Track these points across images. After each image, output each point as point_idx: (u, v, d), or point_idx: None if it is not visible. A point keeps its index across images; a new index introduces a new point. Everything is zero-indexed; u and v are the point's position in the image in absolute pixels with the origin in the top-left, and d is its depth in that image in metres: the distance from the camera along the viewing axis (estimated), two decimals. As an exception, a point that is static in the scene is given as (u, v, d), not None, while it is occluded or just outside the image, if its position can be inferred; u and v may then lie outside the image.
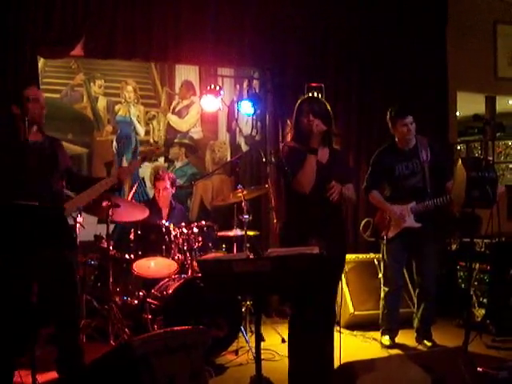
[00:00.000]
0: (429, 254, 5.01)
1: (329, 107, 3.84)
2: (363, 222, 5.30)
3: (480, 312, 5.60)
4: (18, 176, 3.67)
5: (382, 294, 5.16)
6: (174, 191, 5.90)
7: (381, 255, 5.20)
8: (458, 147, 7.77)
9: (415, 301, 5.26)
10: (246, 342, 4.86)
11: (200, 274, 4.60)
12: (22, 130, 3.78)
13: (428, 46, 7.13)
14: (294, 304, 3.85)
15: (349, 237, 6.74)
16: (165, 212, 5.79)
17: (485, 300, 5.64)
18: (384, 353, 4.91)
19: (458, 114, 7.88)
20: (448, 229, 6.23)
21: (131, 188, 6.95)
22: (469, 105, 8.10)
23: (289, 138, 3.91)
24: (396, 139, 5.02)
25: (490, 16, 7.75)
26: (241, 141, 7.52)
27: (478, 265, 5.71)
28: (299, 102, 3.87)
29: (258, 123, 7.07)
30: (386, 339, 5.10)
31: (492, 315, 5.39)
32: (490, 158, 6.97)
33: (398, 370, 2.16)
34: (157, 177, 5.86)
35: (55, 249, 3.59)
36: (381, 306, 5.18)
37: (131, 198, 5.74)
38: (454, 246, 6.36)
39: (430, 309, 5.07)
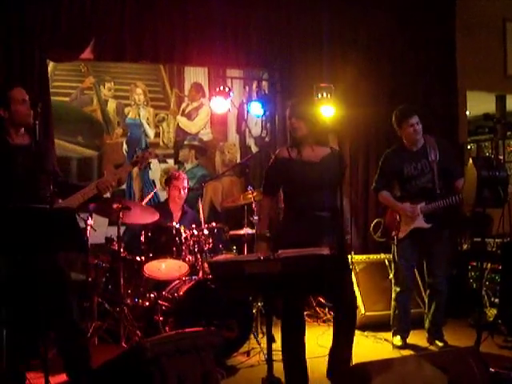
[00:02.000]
0: (439, 255, 4.99)
1: (317, 108, 3.88)
2: (373, 223, 5.29)
3: (492, 312, 5.58)
4: (5, 180, 3.62)
5: (394, 295, 5.14)
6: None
7: (391, 256, 5.18)
8: (469, 147, 7.74)
9: (426, 301, 5.23)
10: (258, 343, 4.86)
11: (211, 276, 4.61)
12: (9, 133, 3.74)
13: (437, 46, 7.11)
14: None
15: (359, 237, 6.74)
16: (176, 215, 5.78)
17: (496, 300, 5.62)
18: (396, 353, 4.90)
19: (467, 113, 7.85)
20: (459, 229, 6.21)
21: (141, 191, 7.00)
22: (479, 104, 8.06)
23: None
24: (404, 141, 5.00)
25: (499, 14, 7.72)
26: (250, 142, 7.52)
27: (489, 264, 5.69)
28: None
29: (268, 124, 7.08)
30: (397, 340, 5.09)
31: (504, 315, 5.36)
32: (501, 157, 6.94)
33: (413, 370, 2.15)
34: (175, 176, 5.78)
35: (45, 252, 3.54)
36: (392, 306, 5.16)
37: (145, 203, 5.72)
38: (465, 246, 6.34)
39: (441, 309, 5.05)
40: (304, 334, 3.83)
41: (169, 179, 5.86)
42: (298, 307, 3.83)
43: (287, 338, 3.80)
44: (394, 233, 5.02)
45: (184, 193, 5.77)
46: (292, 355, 3.78)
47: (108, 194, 6.69)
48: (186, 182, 5.77)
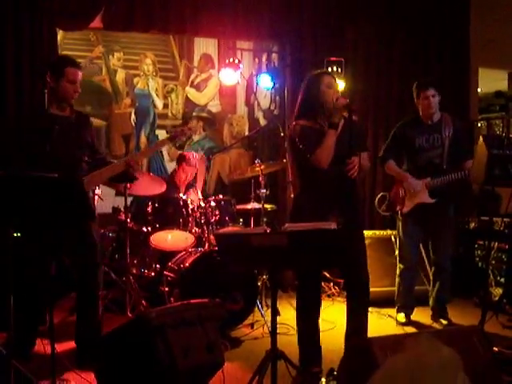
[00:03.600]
0: (445, 232, 4.99)
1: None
2: (378, 197, 5.28)
3: (497, 291, 5.57)
4: (43, 146, 3.68)
5: (398, 271, 5.15)
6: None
7: (397, 232, 5.18)
8: (479, 124, 7.67)
9: (431, 279, 5.23)
10: (262, 315, 4.88)
11: (217, 248, 4.61)
12: (51, 103, 3.85)
13: (450, 22, 7.02)
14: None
15: (365, 212, 6.73)
16: (182, 189, 5.75)
17: (502, 279, 5.61)
18: (399, 330, 4.91)
19: (479, 90, 7.77)
20: (467, 207, 6.19)
21: (149, 162, 7.01)
22: (491, 81, 7.98)
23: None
24: (420, 112, 4.96)
25: (514, -10, 7.59)
26: (259, 115, 7.49)
27: (496, 244, 5.66)
28: (318, 74, 3.81)
29: (277, 97, 7.04)
30: (401, 316, 5.10)
31: (509, 295, 5.36)
32: (512, 136, 6.88)
33: (428, 350, 2.11)
34: (187, 160, 5.72)
35: (79, 220, 3.61)
36: (396, 283, 5.17)
37: None
38: (472, 225, 6.32)
39: (445, 287, 5.05)
40: (319, 308, 3.83)
41: (181, 159, 5.80)
42: (312, 281, 3.82)
43: (302, 311, 3.80)
44: (398, 207, 5.01)
45: (191, 177, 5.76)
46: (306, 328, 3.78)
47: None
48: (195, 170, 5.76)
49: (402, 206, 4.98)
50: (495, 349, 3.73)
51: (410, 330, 4.91)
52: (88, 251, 3.89)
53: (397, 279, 5.17)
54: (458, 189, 4.93)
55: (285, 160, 5.41)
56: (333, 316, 5.09)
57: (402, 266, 5.10)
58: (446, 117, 4.93)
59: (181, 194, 5.29)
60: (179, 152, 6.27)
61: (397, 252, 5.34)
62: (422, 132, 4.89)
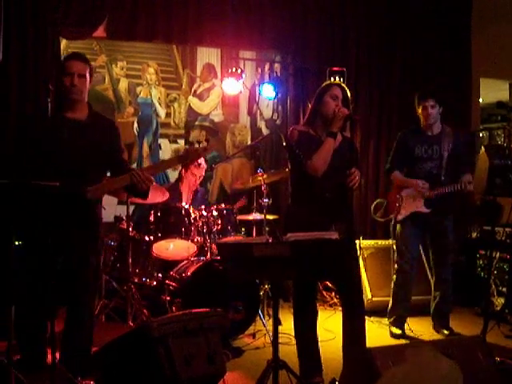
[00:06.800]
0: (445, 245, 4.97)
1: (349, 94, 3.82)
2: (374, 203, 5.28)
3: (499, 301, 5.56)
4: (48, 152, 3.45)
5: (394, 277, 5.04)
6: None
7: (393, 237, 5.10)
8: (481, 134, 7.68)
9: (432, 289, 5.19)
10: (264, 325, 4.87)
11: (219, 257, 4.61)
12: (63, 106, 3.61)
13: (452, 32, 7.04)
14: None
15: (367, 222, 6.72)
16: (188, 197, 5.74)
17: (504, 289, 5.60)
18: (401, 340, 4.88)
19: (480, 100, 7.78)
20: (468, 217, 6.19)
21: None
22: (492, 91, 7.99)
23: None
24: (421, 123, 4.97)
25: (515, 1, 7.60)
26: (261, 124, 7.50)
27: (498, 254, 5.66)
28: (327, 85, 3.83)
29: (279, 107, 7.06)
30: (396, 328, 5.02)
31: (511, 304, 5.35)
32: (514, 146, 6.89)
33: (428, 362, 2.10)
34: (195, 164, 5.67)
35: (80, 228, 3.54)
36: (393, 290, 5.05)
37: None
38: (474, 234, 6.32)
39: (446, 297, 5.03)
40: (316, 319, 3.81)
41: (187, 163, 5.75)
42: (309, 291, 3.82)
43: (299, 323, 3.79)
44: (392, 214, 5.00)
45: (200, 180, 5.76)
46: (305, 340, 3.77)
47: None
48: (204, 170, 5.74)
49: (396, 213, 4.97)
50: (497, 359, 3.72)
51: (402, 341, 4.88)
52: (84, 256, 3.63)
53: (392, 287, 5.07)
54: (455, 201, 4.93)
55: (287, 169, 5.42)
56: (334, 325, 5.08)
57: (398, 268, 5.00)
58: (447, 130, 4.93)
59: (183, 203, 5.29)
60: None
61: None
62: (422, 142, 4.90)
